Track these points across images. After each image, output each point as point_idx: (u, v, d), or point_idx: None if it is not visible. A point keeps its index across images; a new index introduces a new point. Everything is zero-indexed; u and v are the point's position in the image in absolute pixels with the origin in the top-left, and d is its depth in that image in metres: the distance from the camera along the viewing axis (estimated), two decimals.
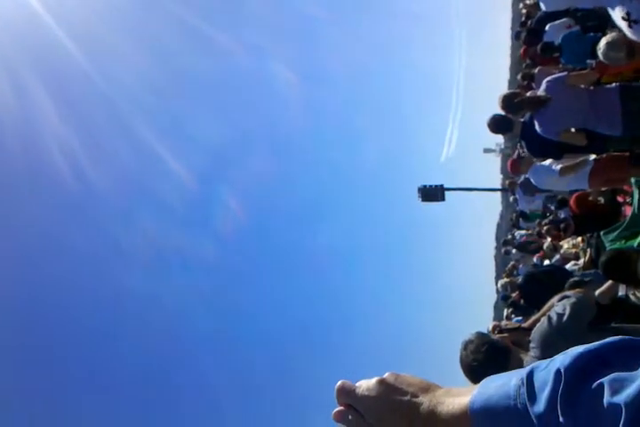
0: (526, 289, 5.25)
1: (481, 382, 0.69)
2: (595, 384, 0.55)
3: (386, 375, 0.77)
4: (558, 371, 0.59)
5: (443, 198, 27.49)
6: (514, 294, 10.79)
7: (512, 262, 16.32)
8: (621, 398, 0.52)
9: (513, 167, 7.42)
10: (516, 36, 11.25)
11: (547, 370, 0.61)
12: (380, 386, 0.76)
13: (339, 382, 0.79)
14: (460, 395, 0.69)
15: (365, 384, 0.77)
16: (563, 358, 0.60)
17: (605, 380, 0.55)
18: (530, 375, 0.62)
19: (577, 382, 0.57)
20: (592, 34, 6.38)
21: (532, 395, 0.60)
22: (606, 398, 0.54)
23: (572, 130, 4.58)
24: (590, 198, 7.07)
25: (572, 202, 7.53)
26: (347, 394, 0.78)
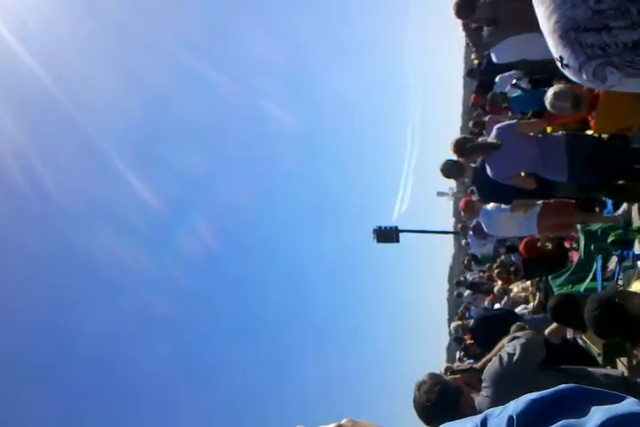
0: (478, 332, 5.30)
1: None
2: None
3: (343, 421, 0.77)
4: (511, 418, 0.60)
5: (397, 240, 27.82)
6: (466, 337, 10.87)
7: (464, 305, 16.50)
8: None
9: (466, 207, 7.55)
10: (467, 74, 11.64)
11: (500, 417, 0.62)
12: None
13: None
14: None
15: None
16: (515, 405, 0.61)
17: (556, 426, 0.56)
18: (484, 422, 0.64)
19: None
20: (539, 90, 6.67)
21: None
22: None
23: (522, 174, 4.74)
24: (539, 244, 7.25)
25: (521, 247, 7.70)
26: None
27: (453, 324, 13.11)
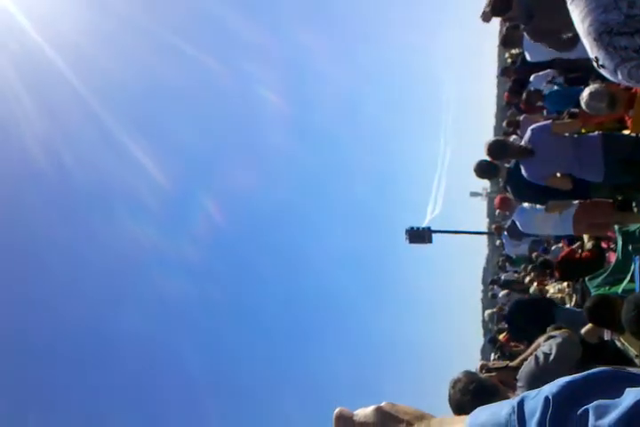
0: (513, 317, 5.25)
1: (473, 411, 0.74)
2: (580, 410, 0.60)
3: (383, 404, 0.81)
4: (547, 398, 0.64)
5: (430, 241, 27.61)
6: (501, 337, 10.77)
7: (498, 306, 16.32)
8: (605, 422, 0.57)
9: (502, 203, 7.49)
10: (501, 73, 11.55)
11: (536, 398, 0.66)
12: (377, 414, 0.79)
13: (337, 410, 0.82)
14: (453, 423, 0.74)
15: (363, 412, 0.80)
16: (550, 387, 0.65)
17: (590, 406, 0.60)
18: (520, 403, 0.67)
19: (564, 408, 0.62)
20: (575, 88, 6.60)
21: (522, 421, 0.65)
22: (591, 423, 0.59)
23: (558, 175, 4.71)
24: (577, 256, 7.15)
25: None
26: (345, 421, 0.80)
27: (488, 311, 12.98)
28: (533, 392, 0.67)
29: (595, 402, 0.60)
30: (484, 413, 0.71)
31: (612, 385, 0.62)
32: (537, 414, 0.64)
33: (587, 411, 0.60)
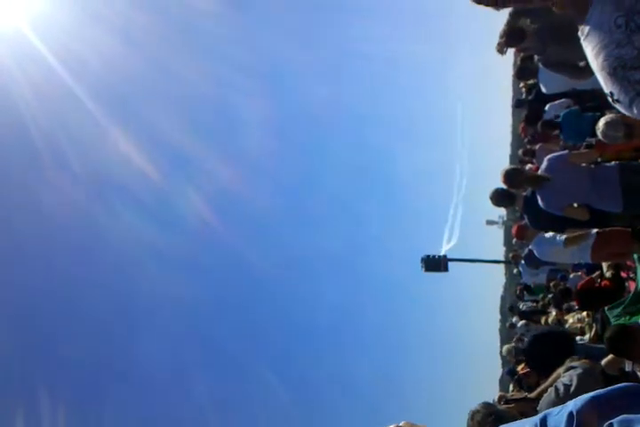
0: (531, 352, 5.18)
1: None
2: (605, 425, 0.61)
3: (402, 424, 0.83)
4: (571, 414, 0.65)
5: (446, 269, 27.45)
6: (519, 368, 10.57)
7: (517, 336, 16.07)
8: None
9: (519, 232, 7.46)
10: (516, 104, 11.63)
11: (560, 415, 0.67)
12: None
13: None
14: None
15: None
16: (575, 403, 0.66)
17: (615, 421, 0.61)
18: (543, 420, 0.68)
19: (589, 423, 0.63)
20: (591, 114, 6.63)
21: None
22: None
23: (575, 205, 4.69)
24: (597, 285, 7.08)
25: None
26: None
27: (506, 346, 12.79)
28: (556, 409, 0.67)
29: (620, 417, 0.61)
30: None
31: (637, 400, 0.63)
32: None
33: (612, 426, 0.60)
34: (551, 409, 0.70)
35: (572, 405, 0.66)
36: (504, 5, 1.52)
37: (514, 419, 2.54)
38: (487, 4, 1.51)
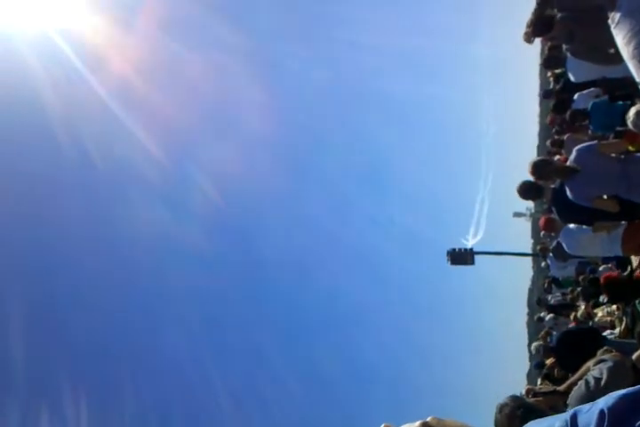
0: (560, 351, 5.12)
1: (525, 425, 0.74)
2: (638, 423, 0.60)
3: (429, 419, 0.81)
4: (602, 411, 0.63)
5: (472, 262, 27.26)
6: (548, 361, 10.47)
7: (545, 329, 15.92)
8: None
9: (547, 225, 7.37)
10: (544, 95, 11.47)
11: (590, 412, 0.65)
12: None
13: (382, 425, 0.83)
14: None
15: None
16: (606, 400, 0.65)
17: None
18: (573, 417, 0.67)
19: (621, 421, 0.62)
20: (621, 102, 6.51)
21: None
22: None
23: (604, 197, 4.62)
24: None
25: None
26: None
27: (535, 343, 12.66)
28: (587, 406, 0.66)
29: None
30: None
31: None
32: None
33: None
34: (581, 406, 0.69)
35: (604, 402, 0.65)
36: None
37: (543, 412, 2.51)
38: None
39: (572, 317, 11.31)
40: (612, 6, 1.38)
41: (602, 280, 7.31)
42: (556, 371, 8.49)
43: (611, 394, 0.66)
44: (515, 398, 2.51)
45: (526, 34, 5.52)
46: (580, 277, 11.81)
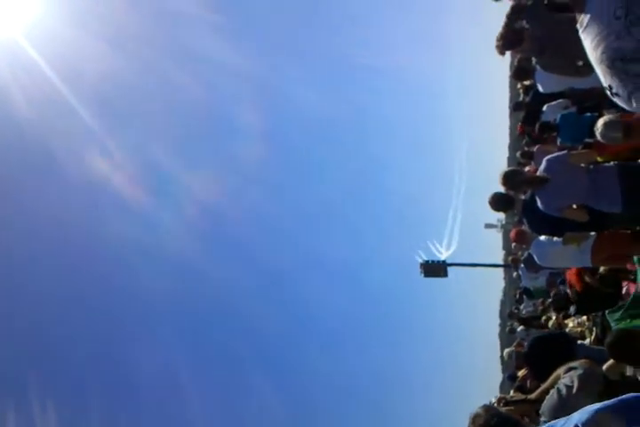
0: (532, 356, 5.13)
1: None
2: None
3: None
4: None
5: (445, 274, 27.38)
6: (520, 373, 10.53)
7: (517, 341, 16.05)
8: None
9: (518, 237, 7.45)
10: (514, 107, 11.68)
11: None
12: None
13: None
14: None
15: None
16: (580, 415, 0.63)
17: None
18: None
19: None
20: (589, 114, 6.62)
21: None
22: None
23: (574, 206, 4.67)
24: (587, 279, 7.04)
25: (572, 279, 7.47)
26: None
27: (507, 349, 12.75)
28: (561, 421, 0.65)
29: None
30: None
31: None
32: None
33: None
34: (555, 421, 0.67)
35: (578, 418, 0.64)
36: None
37: (517, 421, 2.49)
38: None
39: (542, 327, 11.43)
40: (579, 9, 1.37)
41: (576, 291, 7.37)
42: (528, 382, 8.54)
43: (585, 409, 0.64)
44: (488, 408, 2.48)
45: (497, 47, 5.60)
46: (552, 293, 11.96)
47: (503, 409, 2.73)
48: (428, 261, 27.51)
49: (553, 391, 2.61)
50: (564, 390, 2.56)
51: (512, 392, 12.28)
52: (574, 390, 2.54)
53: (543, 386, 3.02)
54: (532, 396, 3.00)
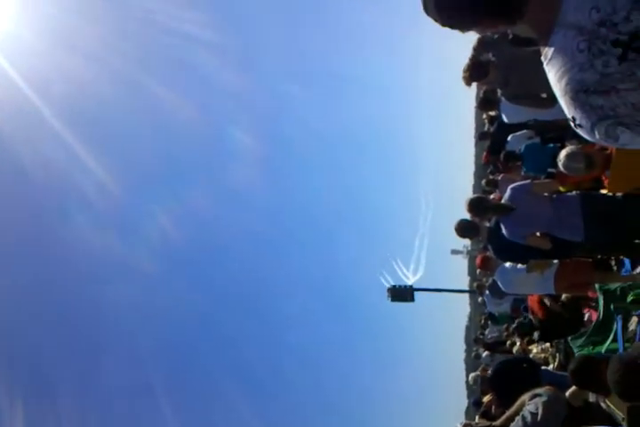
0: (497, 380, 5.13)
1: None
2: None
3: None
4: None
5: (412, 299, 27.49)
6: (485, 398, 10.52)
7: (482, 366, 16.10)
8: None
9: (483, 263, 7.51)
10: (480, 137, 11.91)
11: None
12: None
13: None
14: None
15: None
16: None
17: None
18: None
19: None
20: (552, 145, 6.78)
21: None
22: None
23: (538, 234, 4.74)
24: (548, 304, 7.13)
25: (533, 306, 7.54)
26: None
27: (472, 374, 12.74)
28: None
29: None
30: None
31: None
32: None
33: None
34: None
35: None
36: (469, 29, 1.51)
37: None
38: (452, 27, 1.50)
39: (507, 352, 11.48)
40: (544, 42, 1.40)
41: (539, 319, 7.44)
42: (493, 409, 8.53)
43: None
44: None
45: (464, 78, 5.73)
46: (517, 321, 12.06)
47: None
48: (395, 286, 27.66)
49: (518, 419, 2.61)
50: (528, 418, 2.56)
51: (477, 418, 12.25)
52: (539, 417, 2.55)
53: (508, 413, 3.01)
54: (497, 423, 2.99)
